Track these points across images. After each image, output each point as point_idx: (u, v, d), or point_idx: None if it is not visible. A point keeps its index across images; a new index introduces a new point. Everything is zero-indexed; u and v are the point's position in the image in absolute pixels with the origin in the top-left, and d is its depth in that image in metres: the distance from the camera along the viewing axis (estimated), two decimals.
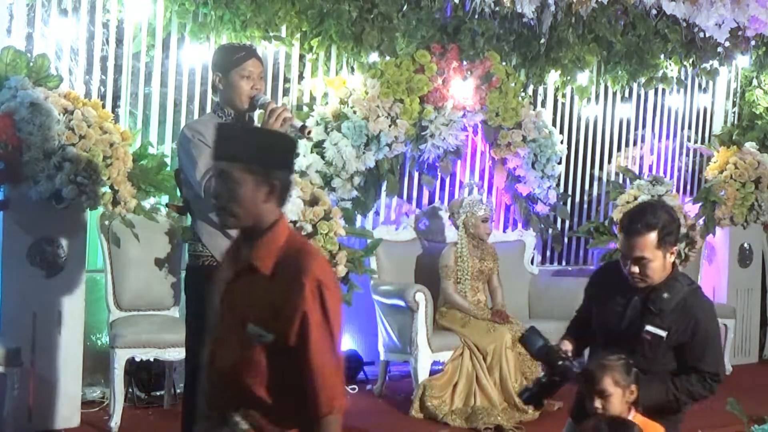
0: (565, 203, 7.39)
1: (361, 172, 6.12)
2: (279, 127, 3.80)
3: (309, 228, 5.36)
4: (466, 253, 6.07)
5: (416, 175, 6.81)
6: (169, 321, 5.28)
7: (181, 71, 5.82)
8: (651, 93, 7.98)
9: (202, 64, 5.82)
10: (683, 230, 6.92)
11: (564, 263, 7.63)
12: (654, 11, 7.45)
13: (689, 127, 8.30)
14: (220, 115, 3.86)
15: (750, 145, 7.94)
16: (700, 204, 7.60)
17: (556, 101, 7.46)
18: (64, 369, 4.93)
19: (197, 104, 5.91)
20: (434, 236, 6.58)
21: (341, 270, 5.53)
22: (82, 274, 5.02)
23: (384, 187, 6.48)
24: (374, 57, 6.29)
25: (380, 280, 6.20)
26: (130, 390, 5.45)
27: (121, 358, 5.01)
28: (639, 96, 7.95)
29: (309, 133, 4.00)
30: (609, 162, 7.85)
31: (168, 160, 5.49)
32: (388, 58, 6.26)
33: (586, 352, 3.74)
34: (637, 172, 7.60)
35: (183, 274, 4.14)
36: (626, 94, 7.86)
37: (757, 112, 8.37)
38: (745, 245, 7.89)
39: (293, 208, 5.33)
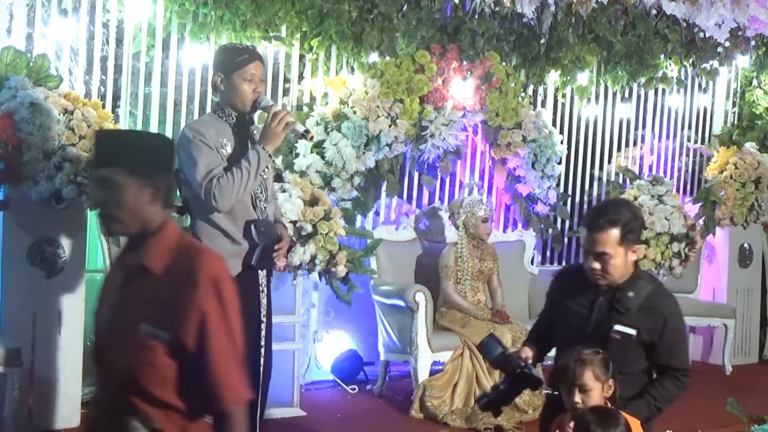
0: (565, 203, 7.39)
1: (361, 172, 6.12)
2: (281, 131, 3.80)
3: (309, 228, 5.36)
4: (466, 254, 6.08)
5: (416, 175, 6.81)
6: None
7: (181, 71, 5.82)
8: (651, 93, 7.97)
9: (202, 64, 5.82)
10: (683, 230, 6.93)
11: (564, 263, 7.62)
12: (654, 11, 7.45)
13: (689, 127, 8.30)
14: (220, 115, 3.86)
15: (750, 145, 7.94)
16: (700, 204, 7.60)
17: (556, 101, 7.46)
18: (64, 369, 4.93)
19: (197, 104, 5.91)
20: (434, 236, 6.58)
21: (341, 270, 5.53)
22: (82, 274, 5.02)
23: (384, 188, 6.47)
24: (374, 57, 6.29)
25: (380, 280, 6.20)
26: None
27: None
28: (639, 96, 7.94)
29: (312, 138, 4.00)
30: (609, 162, 7.85)
31: None
32: (388, 58, 6.26)
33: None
34: (637, 172, 7.61)
35: None
36: (626, 94, 7.86)
37: (757, 112, 8.37)
38: (745, 245, 7.89)
39: (293, 208, 5.33)
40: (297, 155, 5.89)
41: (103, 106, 5.14)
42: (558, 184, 7.22)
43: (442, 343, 5.84)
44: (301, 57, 6.18)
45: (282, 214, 5.25)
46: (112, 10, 5.54)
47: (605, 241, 3.39)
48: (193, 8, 5.61)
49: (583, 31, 7.13)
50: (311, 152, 5.93)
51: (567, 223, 7.55)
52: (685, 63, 7.92)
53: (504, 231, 7.13)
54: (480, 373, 5.73)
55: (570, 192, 7.59)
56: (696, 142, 8.28)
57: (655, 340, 3.44)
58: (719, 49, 7.91)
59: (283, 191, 5.37)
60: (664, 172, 8.02)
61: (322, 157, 5.96)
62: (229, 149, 3.79)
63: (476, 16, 6.61)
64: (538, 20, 6.86)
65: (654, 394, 3.46)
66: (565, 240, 7.57)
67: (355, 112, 6.02)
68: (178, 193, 4.02)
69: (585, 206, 7.75)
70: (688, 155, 8.27)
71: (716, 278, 7.86)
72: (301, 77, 6.26)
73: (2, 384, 4.53)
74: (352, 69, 6.33)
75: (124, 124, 5.55)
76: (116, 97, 5.71)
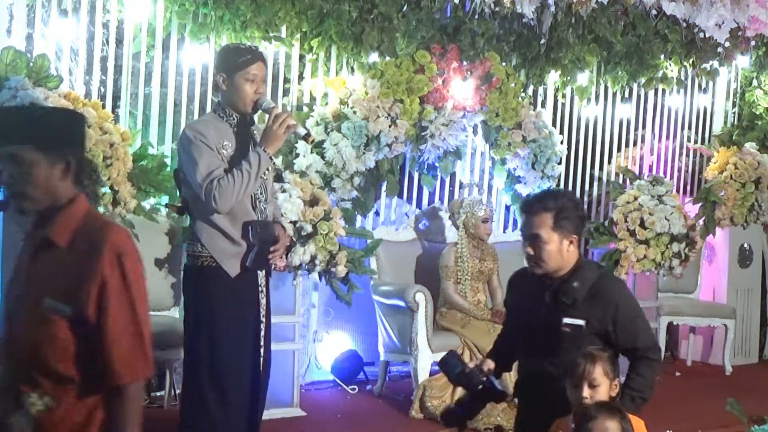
0: None
1: (361, 173, 6.12)
2: (282, 133, 3.80)
3: (309, 228, 5.36)
4: (466, 254, 6.08)
5: (416, 175, 6.81)
6: (169, 321, 5.27)
7: (181, 72, 5.82)
8: (651, 93, 7.98)
9: (202, 64, 5.82)
10: (683, 230, 6.93)
11: None
12: (654, 11, 7.45)
13: (689, 128, 8.30)
14: (221, 115, 3.86)
15: (750, 146, 7.95)
16: (700, 204, 7.61)
17: (556, 101, 7.46)
18: None
19: (197, 105, 5.91)
20: (434, 236, 6.58)
21: (341, 270, 5.53)
22: None
23: (384, 188, 6.48)
24: (374, 57, 6.29)
25: (380, 280, 6.20)
26: None
27: None
28: (639, 96, 7.94)
29: (312, 141, 4.00)
30: (609, 162, 7.85)
31: (168, 161, 5.48)
32: (388, 58, 6.26)
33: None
34: (637, 173, 7.61)
35: (182, 274, 4.14)
36: (626, 95, 7.86)
37: (757, 113, 8.37)
38: (745, 245, 7.89)
39: (293, 208, 5.33)
40: (297, 155, 5.89)
41: (103, 107, 5.14)
42: (558, 185, 7.22)
43: (442, 344, 5.83)
44: (301, 57, 6.18)
45: (282, 214, 5.25)
46: (112, 11, 5.54)
47: (539, 224, 3.40)
48: (193, 8, 5.61)
49: (583, 32, 7.13)
50: (311, 152, 5.93)
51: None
52: (685, 63, 7.92)
53: (504, 231, 7.13)
54: None
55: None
56: (696, 142, 8.28)
57: (608, 328, 3.41)
58: (719, 50, 7.91)
59: (283, 191, 5.37)
60: (664, 173, 8.02)
61: (322, 158, 5.96)
62: (229, 150, 3.79)
63: (476, 17, 6.61)
64: (538, 20, 6.86)
65: (634, 386, 3.42)
66: None
67: (355, 113, 6.02)
68: (178, 193, 4.03)
69: (585, 207, 7.75)
70: (688, 155, 8.27)
71: (716, 278, 7.87)
72: (301, 77, 6.26)
73: None
74: (352, 69, 6.33)
75: (124, 125, 5.55)
76: (116, 98, 5.71)
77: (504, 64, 6.71)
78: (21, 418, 2.41)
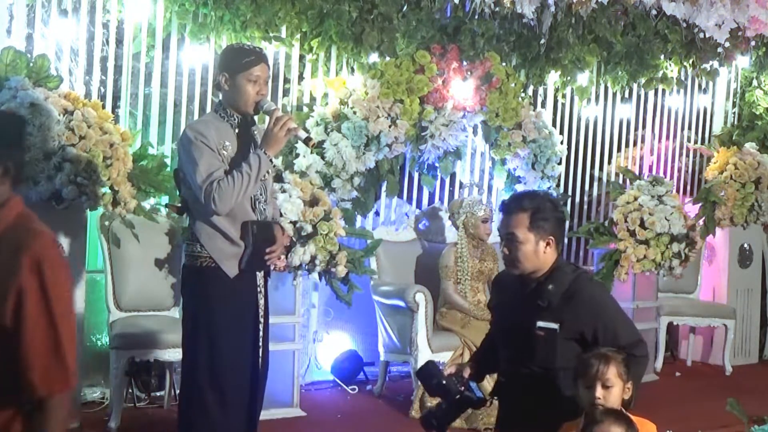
0: (565, 204, 7.39)
1: (361, 173, 6.12)
2: (283, 136, 3.80)
3: (309, 228, 5.36)
4: (466, 254, 6.08)
5: (416, 175, 6.81)
6: (169, 321, 5.28)
7: (181, 72, 5.82)
8: (651, 93, 7.98)
9: (202, 64, 5.83)
10: (683, 231, 6.93)
11: None
12: (654, 12, 7.45)
13: (689, 128, 8.31)
14: (222, 115, 3.85)
15: (750, 146, 7.95)
16: (700, 204, 7.61)
17: (556, 102, 7.46)
18: None
19: (197, 105, 5.91)
20: (434, 237, 6.58)
21: (341, 270, 5.53)
22: (82, 274, 5.02)
23: (384, 188, 6.48)
24: (374, 57, 6.29)
25: (380, 280, 6.20)
26: (130, 390, 5.45)
27: (121, 358, 5.02)
28: (639, 96, 7.95)
29: (313, 145, 4.00)
30: (609, 162, 7.86)
31: (168, 161, 5.49)
32: (388, 58, 6.26)
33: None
34: (637, 173, 7.60)
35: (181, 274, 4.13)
36: (626, 95, 7.87)
37: (757, 113, 8.37)
38: (745, 246, 7.89)
39: (293, 208, 5.34)
40: (297, 156, 5.89)
41: (103, 107, 5.14)
42: (558, 185, 7.23)
43: (442, 344, 5.83)
44: (301, 57, 6.19)
45: (282, 214, 5.25)
46: (112, 11, 5.54)
47: (515, 224, 3.37)
48: (193, 9, 5.61)
49: (583, 32, 7.14)
50: (311, 152, 5.93)
51: (567, 223, 7.55)
52: (685, 63, 7.92)
53: None
54: None
55: (570, 192, 7.60)
56: (696, 142, 8.28)
57: (585, 330, 3.34)
58: (719, 50, 7.91)
59: (283, 191, 5.37)
60: (664, 173, 8.02)
61: (322, 158, 5.96)
62: (230, 150, 3.79)
63: (476, 17, 6.61)
64: (538, 21, 6.87)
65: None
66: (565, 240, 7.57)
67: (355, 113, 6.02)
68: (178, 193, 4.03)
69: (585, 207, 7.76)
70: (688, 155, 8.27)
71: (716, 278, 7.87)
72: (301, 78, 6.26)
73: None
74: (352, 69, 6.33)
75: (124, 125, 5.55)
76: (116, 98, 5.72)
77: (504, 64, 6.71)
78: None
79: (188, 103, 5.89)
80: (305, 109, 6.15)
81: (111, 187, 4.94)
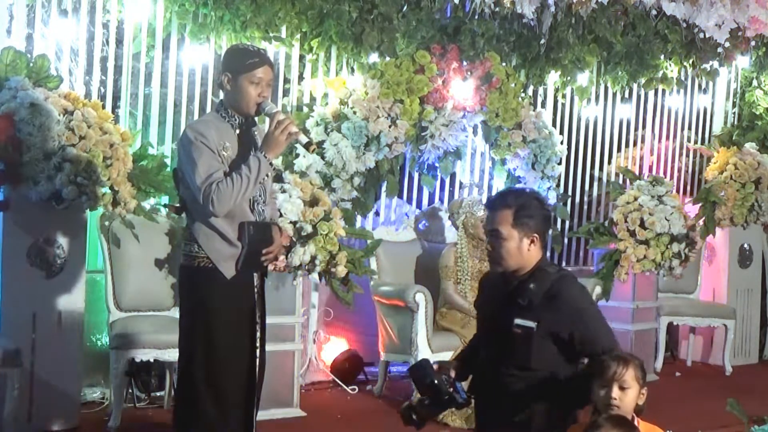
0: (565, 204, 7.39)
1: (361, 173, 6.12)
2: (284, 140, 3.79)
3: (309, 228, 5.36)
4: (466, 254, 6.08)
5: (416, 175, 6.81)
6: (169, 321, 5.27)
7: (181, 72, 5.82)
8: (651, 93, 7.98)
9: (202, 64, 5.83)
10: (683, 231, 6.93)
11: (564, 264, 7.63)
12: (654, 12, 7.46)
13: (689, 128, 8.31)
14: (223, 115, 3.84)
15: (750, 146, 7.94)
16: (700, 204, 7.61)
17: (556, 102, 7.46)
18: (64, 370, 4.92)
19: (197, 105, 5.91)
20: (434, 237, 6.58)
21: (341, 270, 5.53)
22: (82, 274, 5.02)
23: (384, 188, 6.48)
24: (374, 57, 6.29)
25: (380, 280, 6.20)
26: (130, 391, 5.45)
27: (121, 358, 5.02)
28: (639, 96, 7.95)
29: (314, 150, 3.99)
30: (609, 162, 7.86)
31: (168, 161, 5.49)
32: (388, 58, 6.26)
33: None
34: (637, 173, 7.61)
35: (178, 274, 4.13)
36: (626, 95, 7.87)
37: (757, 113, 8.37)
38: (745, 246, 7.89)
39: (293, 208, 5.33)
40: (297, 156, 5.89)
41: (103, 107, 5.14)
42: (558, 185, 7.23)
43: (443, 344, 5.83)
44: (301, 57, 6.19)
45: (282, 214, 5.25)
46: (112, 11, 5.54)
47: (499, 220, 3.35)
48: (193, 9, 5.61)
49: (583, 32, 7.14)
50: (311, 153, 5.92)
51: (567, 223, 7.56)
52: (685, 63, 7.92)
53: None
54: None
55: (570, 193, 7.60)
56: (696, 142, 8.28)
57: (562, 332, 3.31)
58: (719, 50, 7.91)
59: (283, 191, 5.37)
60: (664, 173, 8.02)
61: (322, 158, 5.96)
62: (230, 151, 3.78)
63: (476, 17, 6.61)
64: (538, 21, 6.87)
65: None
66: (565, 240, 7.57)
67: (355, 113, 6.02)
68: (177, 193, 4.02)
69: (585, 207, 7.76)
70: (688, 156, 8.27)
71: (716, 279, 7.86)
72: (301, 78, 6.26)
73: (2, 385, 4.52)
74: (352, 69, 6.33)
75: (124, 125, 5.55)
76: (116, 98, 5.72)
77: (504, 64, 6.71)
78: None
79: (188, 103, 5.89)
80: (305, 109, 6.15)
81: (111, 187, 4.95)
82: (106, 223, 5.27)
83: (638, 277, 6.98)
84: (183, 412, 3.84)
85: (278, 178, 5.40)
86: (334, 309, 6.38)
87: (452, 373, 3.50)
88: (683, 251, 6.96)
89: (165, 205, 5.44)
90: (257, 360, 3.87)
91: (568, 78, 7.29)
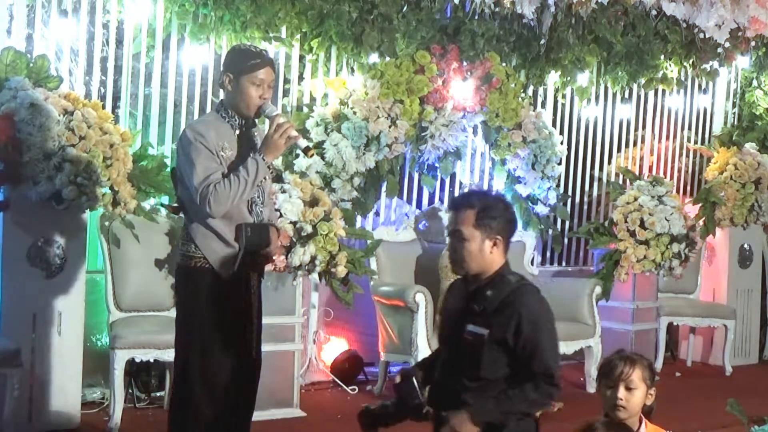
0: (565, 204, 7.39)
1: (361, 173, 6.12)
2: (283, 143, 3.78)
3: (309, 229, 5.35)
4: None
5: (416, 175, 6.81)
6: (169, 321, 5.23)
7: (181, 72, 5.83)
8: (651, 94, 7.98)
9: (202, 64, 5.83)
10: (683, 231, 6.94)
11: (564, 264, 7.64)
12: (654, 12, 7.46)
13: (689, 128, 8.31)
14: (223, 115, 3.84)
15: (750, 146, 7.95)
16: (700, 205, 7.61)
17: (556, 102, 7.46)
18: (64, 370, 4.93)
19: (197, 105, 5.91)
20: (434, 237, 6.58)
21: (341, 271, 5.53)
22: (82, 274, 5.02)
23: (384, 188, 6.48)
24: (374, 58, 6.29)
25: (380, 281, 6.20)
26: (130, 391, 5.45)
27: (121, 359, 5.01)
28: (639, 97, 7.95)
29: (312, 155, 3.98)
30: (609, 163, 7.86)
31: (168, 161, 5.49)
32: (388, 58, 6.26)
33: None
34: (637, 173, 7.61)
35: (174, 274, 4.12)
36: (626, 95, 7.87)
37: (757, 113, 8.37)
38: (745, 246, 7.89)
39: (293, 208, 5.33)
40: (297, 156, 5.88)
41: (103, 107, 5.14)
42: (558, 185, 7.23)
43: None
44: (301, 58, 6.19)
45: (282, 214, 5.25)
46: (112, 11, 5.54)
47: (461, 221, 3.22)
48: (193, 9, 5.61)
49: (583, 32, 7.14)
50: (309, 157, 5.91)
51: (567, 223, 7.56)
52: (685, 64, 7.92)
53: None
54: None
55: (570, 193, 7.60)
56: (696, 142, 8.28)
57: (509, 340, 3.14)
58: (719, 50, 7.91)
59: (283, 192, 5.37)
60: (664, 173, 8.02)
61: (322, 158, 5.96)
62: (229, 152, 3.77)
63: (476, 17, 6.61)
64: (538, 21, 6.87)
65: (508, 393, 3.13)
66: (565, 241, 7.57)
67: (355, 113, 6.02)
68: (174, 192, 4.02)
69: (585, 207, 7.76)
70: (688, 156, 8.28)
71: (716, 279, 7.86)
72: (301, 78, 6.26)
73: (2, 385, 4.52)
74: (352, 70, 6.33)
75: (124, 125, 5.55)
76: (116, 98, 5.72)
77: (504, 64, 6.72)
78: None
79: (188, 104, 5.89)
80: (305, 110, 6.15)
81: (111, 188, 4.95)
82: (106, 223, 5.26)
83: (638, 278, 6.98)
84: (179, 412, 3.84)
85: (278, 179, 5.40)
86: (334, 309, 6.37)
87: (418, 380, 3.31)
88: (683, 251, 6.97)
89: (163, 205, 5.44)
90: (253, 361, 3.87)
91: (568, 78, 7.29)
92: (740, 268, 7.88)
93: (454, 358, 3.27)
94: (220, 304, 3.75)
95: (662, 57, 7.69)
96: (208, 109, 5.58)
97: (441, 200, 6.90)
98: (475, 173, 7.05)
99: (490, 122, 6.69)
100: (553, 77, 7.28)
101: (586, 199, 7.75)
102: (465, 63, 6.50)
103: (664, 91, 8.02)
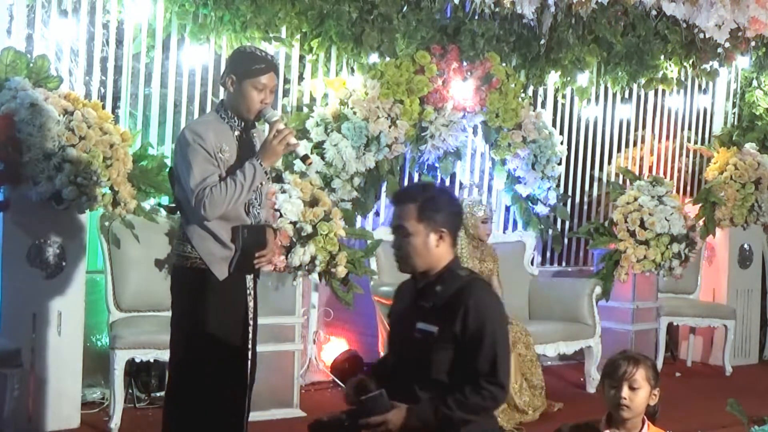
0: (565, 204, 7.39)
1: (361, 173, 6.12)
2: (282, 149, 3.77)
3: (309, 229, 5.35)
4: (466, 254, 6.07)
5: (416, 176, 6.80)
6: (169, 322, 5.26)
7: (181, 72, 5.82)
8: (651, 94, 7.98)
9: (202, 65, 5.83)
10: (683, 231, 6.93)
11: (564, 264, 7.64)
12: (654, 12, 7.46)
13: (689, 128, 8.31)
14: (222, 116, 3.83)
15: (750, 146, 7.95)
16: (700, 205, 7.61)
17: (556, 102, 7.46)
18: (64, 370, 4.93)
19: (197, 105, 5.91)
20: None
21: (341, 271, 5.53)
22: (82, 274, 5.02)
23: (384, 188, 6.48)
24: (374, 58, 6.29)
25: (380, 281, 6.19)
26: (130, 391, 5.45)
27: (121, 359, 5.01)
28: (639, 97, 7.95)
29: (310, 163, 3.97)
30: (609, 163, 7.86)
31: (168, 161, 5.48)
32: (388, 59, 6.26)
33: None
34: (637, 173, 7.61)
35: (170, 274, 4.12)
36: (626, 95, 7.87)
37: (757, 113, 8.37)
38: (745, 246, 7.89)
39: (293, 208, 5.33)
40: (297, 156, 5.87)
41: (103, 107, 5.14)
42: (558, 185, 7.23)
43: None
44: (301, 58, 6.19)
45: (282, 214, 5.25)
46: (112, 11, 5.54)
47: (403, 215, 3.09)
48: (193, 9, 5.61)
49: (583, 32, 7.14)
50: (311, 153, 5.93)
51: (567, 223, 7.56)
52: (685, 64, 7.92)
53: (504, 232, 7.13)
54: None
55: (570, 193, 7.60)
56: (696, 143, 8.28)
57: (457, 334, 3.00)
58: (719, 50, 7.91)
59: (283, 192, 5.37)
60: (664, 173, 8.03)
61: (323, 158, 5.96)
62: (228, 153, 3.76)
63: (476, 17, 6.62)
64: (538, 21, 6.87)
65: (448, 399, 2.98)
66: (565, 241, 7.57)
67: (355, 113, 6.02)
68: (172, 192, 4.02)
69: (585, 207, 7.76)
70: (688, 156, 8.28)
71: (716, 279, 7.86)
72: (301, 78, 6.26)
73: (2, 385, 4.52)
74: (352, 70, 6.33)
75: (124, 125, 5.55)
76: (116, 98, 5.72)
77: (504, 64, 6.72)
78: None
79: (188, 104, 5.89)
80: (305, 110, 6.15)
81: (111, 188, 4.95)
82: (106, 223, 5.26)
83: (638, 278, 6.98)
84: (172, 411, 3.83)
85: (278, 179, 5.40)
86: (334, 309, 6.37)
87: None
88: (683, 251, 6.97)
89: (160, 205, 5.44)
90: (249, 362, 3.86)
91: (568, 78, 7.29)
92: (740, 268, 7.88)
93: (402, 359, 3.17)
94: (216, 304, 3.74)
95: (662, 57, 7.69)
96: (208, 109, 5.58)
97: None
98: (475, 173, 7.06)
99: (490, 122, 6.69)
100: (553, 77, 7.29)
101: (586, 199, 7.75)
102: (465, 63, 6.50)
103: (664, 91, 8.02)
